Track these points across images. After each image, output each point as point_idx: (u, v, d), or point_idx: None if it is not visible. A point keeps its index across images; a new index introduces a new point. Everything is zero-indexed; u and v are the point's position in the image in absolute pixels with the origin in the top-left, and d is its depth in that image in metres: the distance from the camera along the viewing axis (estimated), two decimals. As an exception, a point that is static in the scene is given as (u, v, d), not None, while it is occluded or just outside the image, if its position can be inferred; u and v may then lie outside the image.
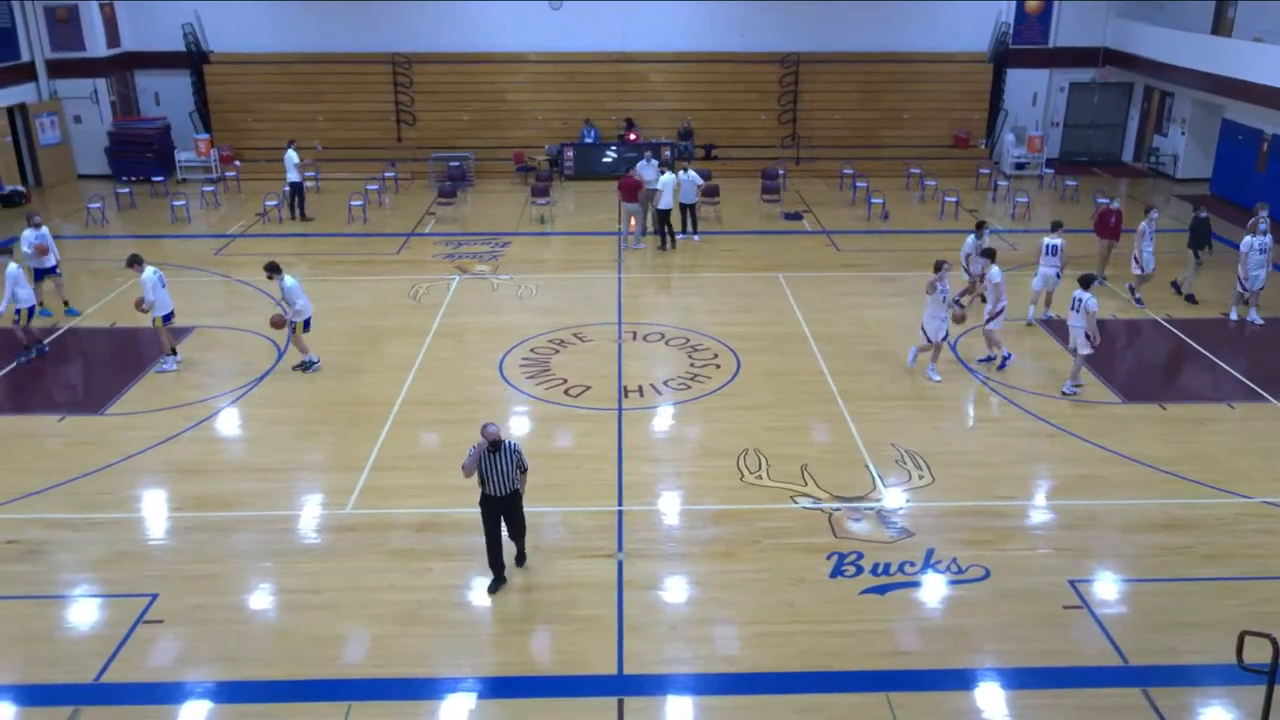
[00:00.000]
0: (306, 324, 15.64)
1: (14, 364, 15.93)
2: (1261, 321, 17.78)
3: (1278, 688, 7.55)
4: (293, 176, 24.31)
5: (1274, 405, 14.59)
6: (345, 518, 11.80)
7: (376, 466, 12.95)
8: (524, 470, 10.35)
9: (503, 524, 10.39)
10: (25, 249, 17.49)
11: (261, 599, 10.39)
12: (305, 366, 15.67)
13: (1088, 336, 14.63)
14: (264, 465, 13.06)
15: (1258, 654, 7.71)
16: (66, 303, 18.30)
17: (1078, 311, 14.69)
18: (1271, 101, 22.19)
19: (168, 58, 29.38)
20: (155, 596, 10.30)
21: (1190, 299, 18.81)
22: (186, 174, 28.71)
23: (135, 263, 15.56)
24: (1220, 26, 27.07)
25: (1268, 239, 17.36)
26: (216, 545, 11.25)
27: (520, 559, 10.80)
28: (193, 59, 29.40)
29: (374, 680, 9.17)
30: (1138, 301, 18.73)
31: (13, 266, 15.91)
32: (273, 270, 15.56)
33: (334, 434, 13.86)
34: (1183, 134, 28.79)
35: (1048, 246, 17.47)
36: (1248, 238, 17.44)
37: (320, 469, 13.02)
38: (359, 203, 24.89)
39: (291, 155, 24.32)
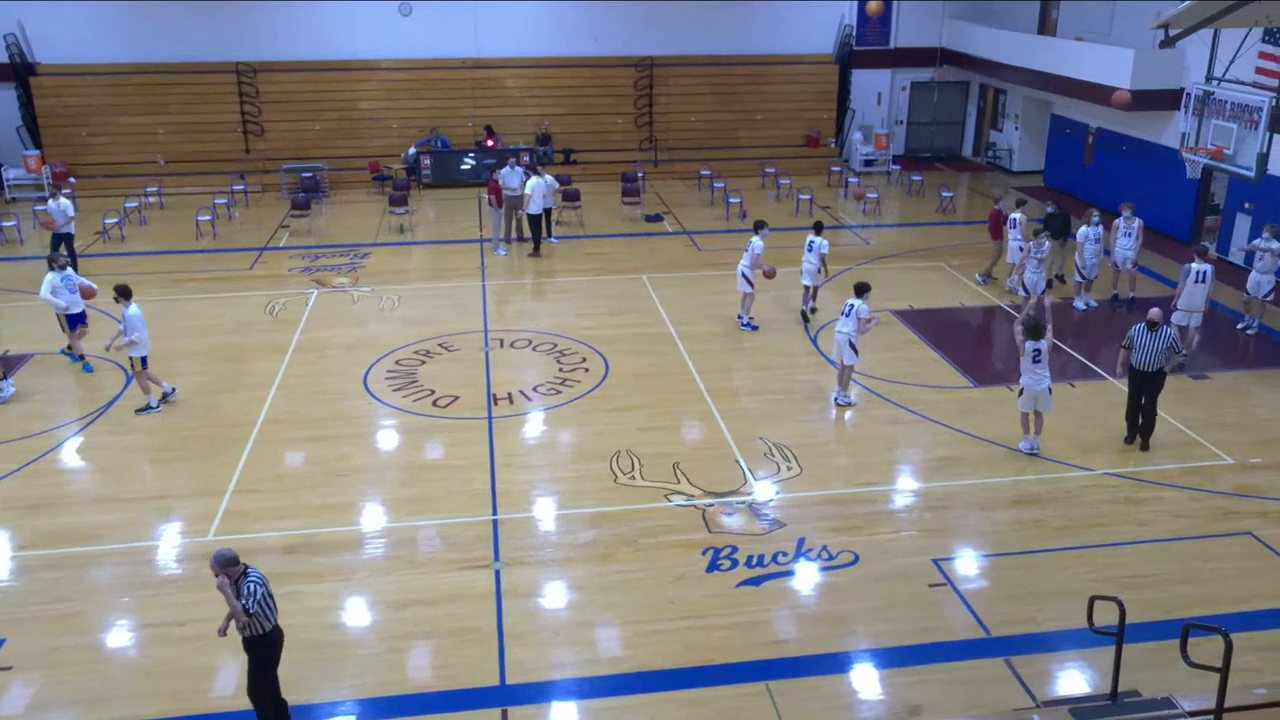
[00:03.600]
0: (144, 361, 14.50)
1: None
2: (1095, 304, 18.89)
3: (1125, 646, 8.06)
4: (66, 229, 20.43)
5: (1110, 383, 15.52)
6: (209, 544, 11.35)
7: (239, 490, 12.51)
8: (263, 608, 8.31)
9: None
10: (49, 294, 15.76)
11: (123, 635, 9.92)
12: (147, 409, 14.51)
13: (852, 345, 14.49)
14: (119, 495, 12.45)
15: (1107, 617, 8.21)
16: (70, 349, 16.39)
17: (849, 317, 14.57)
18: (1093, 96, 23.59)
19: (-10, 70, 27.65)
20: (3, 641, 9.70)
21: (1060, 278, 19.95)
22: (16, 193, 27.07)
23: None
24: (1045, 27, 28.64)
25: (1100, 229, 18.46)
26: (71, 582, 10.68)
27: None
28: (18, 71, 27.73)
29: (249, 711, 8.86)
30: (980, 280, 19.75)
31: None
32: (122, 294, 14.55)
33: (193, 458, 13.33)
34: (1016, 129, 30.33)
35: (810, 244, 17.91)
36: (1084, 228, 18.48)
37: (180, 496, 12.49)
38: (207, 217, 23.98)
39: (65, 204, 20.43)
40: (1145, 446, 13.40)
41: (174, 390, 15.01)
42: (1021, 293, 17.65)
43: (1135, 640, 8.96)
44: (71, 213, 20.38)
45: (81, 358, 16.12)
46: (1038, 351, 12.87)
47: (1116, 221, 18.76)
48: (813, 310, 18.09)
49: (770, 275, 17.34)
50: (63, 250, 19.43)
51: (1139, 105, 22.28)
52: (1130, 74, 21.98)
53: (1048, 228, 18.88)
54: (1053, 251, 18.60)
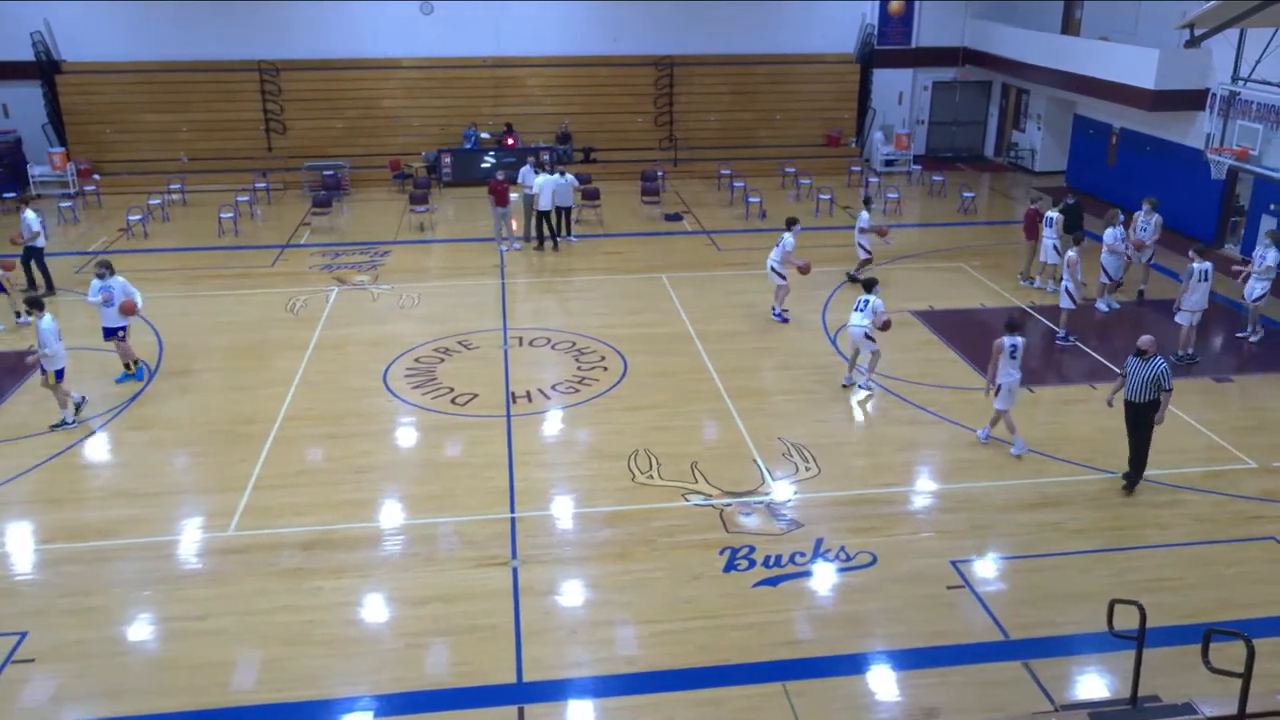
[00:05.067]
0: (59, 374, 14.00)
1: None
2: (1118, 306, 18.75)
3: (1146, 651, 7.99)
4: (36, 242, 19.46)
5: (1132, 385, 15.39)
6: (229, 539, 11.44)
7: (259, 485, 12.58)
8: None
9: None
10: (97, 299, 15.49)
11: (143, 629, 9.99)
12: (62, 425, 14.04)
13: (868, 336, 14.91)
14: (140, 490, 12.55)
15: (1127, 621, 8.14)
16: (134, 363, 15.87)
17: (863, 311, 14.91)
18: (1118, 97, 23.42)
19: (16, 67, 27.83)
20: (25, 634, 9.79)
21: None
22: (41, 189, 27.34)
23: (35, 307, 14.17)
24: (1069, 26, 28.44)
25: (1123, 229, 18.32)
26: (92, 576, 10.77)
27: None
28: (44, 69, 28.00)
29: (268, 705, 8.92)
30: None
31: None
32: (34, 306, 14.13)
33: (213, 454, 13.42)
34: (1039, 129, 30.14)
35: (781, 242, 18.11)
36: (1108, 229, 18.34)
37: (200, 491, 12.58)
38: (229, 215, 24.14)
39: (30, 217, 19.21)
40: (1130, 488, 12.32)
41: (84, 400, 14.57)
42: (1066, 302, 17.07)
43: (1156, 645, 8.89)
44: (37, 227, 19.08)
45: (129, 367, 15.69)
46: (1014, 347, 13.00)
47: (1136, 214, 18.68)
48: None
49: (805, 270, 17.85)
50: (34, 269, 19.16)
51: (1164, 105, 22.12)
52: (1155, 74, 21.81)
53: (1064, 218, 19.01)
54: (1064, 242, 18.58)
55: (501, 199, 22.28)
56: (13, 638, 9.73)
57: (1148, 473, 12.54)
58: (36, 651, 9.57)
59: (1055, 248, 18.92)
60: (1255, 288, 16.51)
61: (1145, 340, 12.09)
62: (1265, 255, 16.41)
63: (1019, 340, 13.06)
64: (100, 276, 15.57)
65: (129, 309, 15.46)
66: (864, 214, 19.90)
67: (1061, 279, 17.13)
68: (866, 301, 14.97)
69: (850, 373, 15.36)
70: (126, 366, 15.67)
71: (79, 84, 28.35)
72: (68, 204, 25.39)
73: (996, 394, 13.19)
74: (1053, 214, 19.10)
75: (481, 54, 29.82)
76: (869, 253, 19.68)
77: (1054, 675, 9.26)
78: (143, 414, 14.59)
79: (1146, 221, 18.55)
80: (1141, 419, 12.15)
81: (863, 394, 15.06)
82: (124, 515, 11.93)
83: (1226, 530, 11.57)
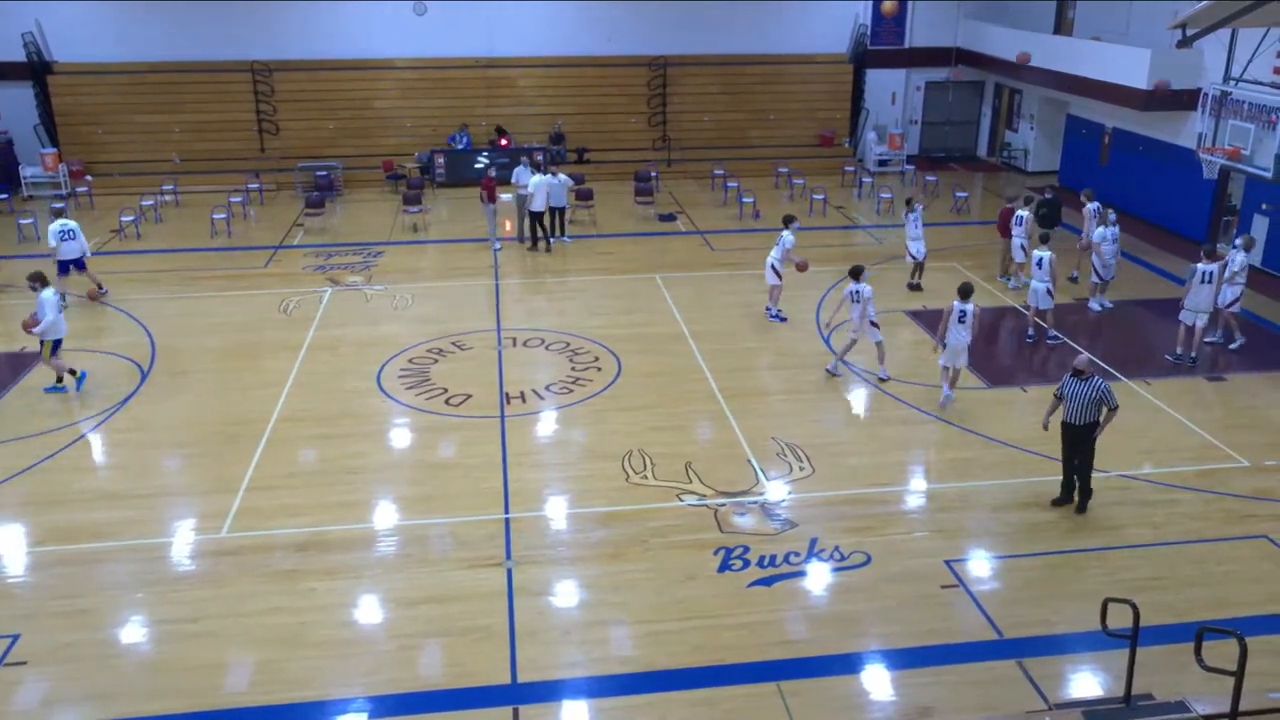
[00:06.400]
0: (55, 346, 14.97)
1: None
2: (1110, 305, 18.79)
3: (1139, 649, 8.00)
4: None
5: (1125, 383, 15.44)
6: (222, 541, 11.41)
7: (252, 487, 12.56)
8: None
9: None
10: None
11: (135, 631, 9.96)
12: (56, 388, 15.09)
13: (874, 324, 15.35)
14: (132, 492, 12.51)
15: (1121, 619, 8.15)
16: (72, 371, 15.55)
17: (857, 302, 15.28)
18: (1110, 97, 23.47)
19: (7, 68, 27.73)
20: (17, 637, 9.76)
21: (1073, 279, 20.03)
22: (33, 190, 27.24)
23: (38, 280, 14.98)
24: (1062, 26, 28.50)
25: (1116, 229, 18.36)
26: (84, 578, 10.73)
27: None
28: (35, 69, 27.90)
29: (261, 707, 8.90)
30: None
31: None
32: (36, 280, 14.99)
33: (206, 455, 13.39)
34: (1032, 129, 30.20)
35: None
36: (1100, 228, 18.37)
37: (193, 492, 12.55)
38: (222, 215, 24.08)
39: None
40: (1082, 509, 11.93)
41: (84, 374, 15.32)
42: (1045, 301, 16.99)
43: (1149, 643, 8.88)
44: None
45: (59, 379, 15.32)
46: (963, 313, 14.11)
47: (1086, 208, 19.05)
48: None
49: (803, 268, 17.99)
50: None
51: (1156, 105, 22.17)
52: (1147, 73, 21.86)
53: (1037, 215, 19.24)
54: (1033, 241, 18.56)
55: (491, 196, 22.27)
56: (5, 640, 9.70)
57: (1142, 471, 12.56)
58: (29, 654, 9.54)
59: (1023, 247, 19.00)
60: (1227, 293, 16.28)
61: (1082, 360, 11.78)
62: (1234, 259, 16.26)
63: (969, 306, 14.13)
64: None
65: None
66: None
67: (1032, 277, 17.11)
68: (856, 290, 15.26)
69: (835, 362, 15.74)
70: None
71: (71, 84, 28.25)
72: (60, 205, 25.21)
73: (942, 351, 14.39)
74: (1023, 213, 19.20)
75: (474, 54, 29.78)
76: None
77: (1048, 674, 9.27)
78: (135, 415, 14.54)
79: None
80: (1080, 440, 11.74)
81: (830, 375, 15.61)
82: (116, 517, 11.90)
83: (1219, 529, 11.59)
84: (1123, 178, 25.22)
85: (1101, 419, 11.62)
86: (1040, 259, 16.67)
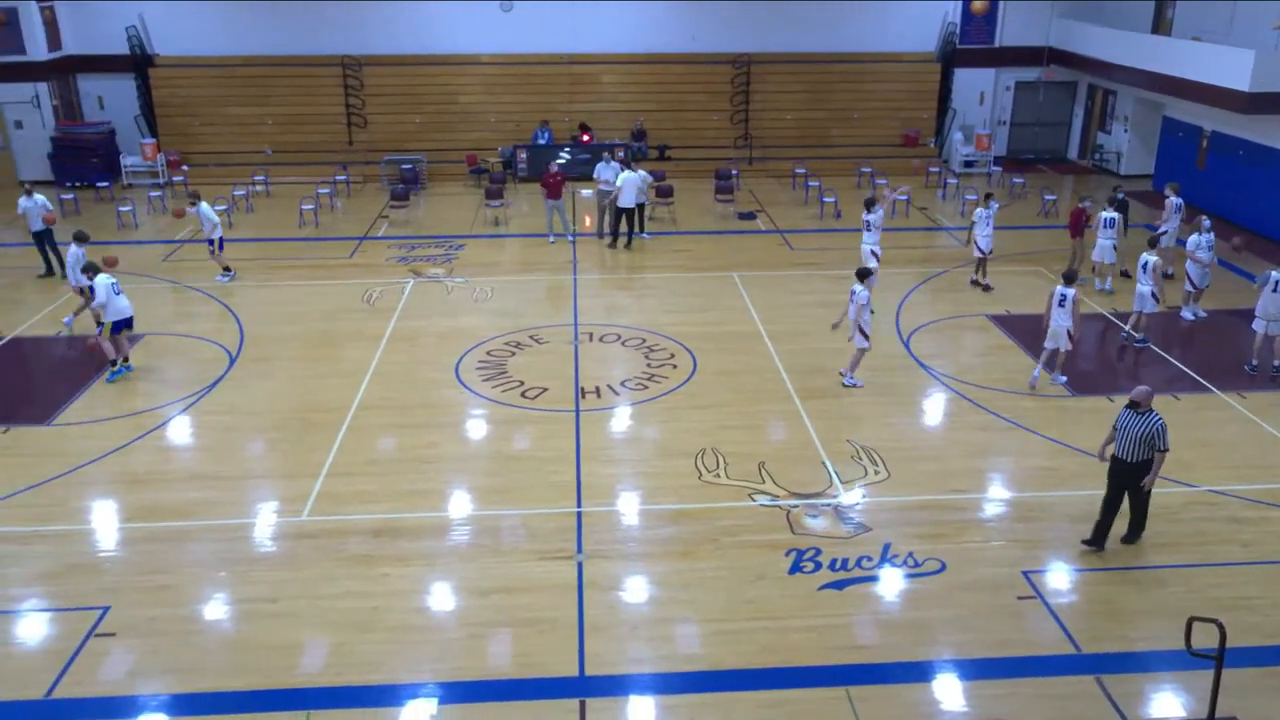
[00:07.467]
0: (115, 327, 15.43)
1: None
2: (1204, 315, 18.17)
3: (1225, 671, 7.74)
4: (36, 226, 19.94)
5: (1217, 396, 14.92)
6: (301, 525, 11.68)
7: (332, 473, 12.83)
8: None
9: None
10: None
11: (216, 609, 10.25)
12: (112, 374, 15.46)
13: (863, 332, 15.05)
14: (217, 473, 12.88)
15: (1205, 639, 7.90)
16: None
17: (852, 303, 14.99)
18: (1210, 99, 22.68)
19: (111, 61, 28.84)
20: (107, 609, 10.12)
21: (1124, 274, 19.71)
22: (133, 179, 28.20)
23: (90, 270, 15.62)
24: (1160, 26, 27.62)
25: (1211, 235, 17.73)
26: (169, 555, 11.08)
27: None
28: (137, 62, 28.90)
29: (332, 688, 9.09)
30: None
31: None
32: (90, 269, 15.70)
33: (288, 440, 13.71)
34: (1125, 131, 29.32)
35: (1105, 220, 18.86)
36: (1194, 235, 17.77)
37: (275, 476, 12.87)
38: (310, 206, 24.64)
39: (36, 202, 19.82)
40: (1130, 539, 11.18)
41: (129, 369, 15.76)
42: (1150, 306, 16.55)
43: (1235, 665, 8.60)
44: (51, 207, 19.94)
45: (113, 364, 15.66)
46: (1064, 297, 14.63)
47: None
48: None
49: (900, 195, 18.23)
50: (49, 251, 20.08)
51: (1258, 108, 21.37)
52: (1250, 75, 21.07)
53: (1122, 215, 19.22)
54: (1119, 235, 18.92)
55: (554, 191, 22.38)
56: (96, 612, 10.06)
57: (1232, 486, 12.13)
58: (118, 626, 9.88)
59: (1115, 248, 18.96)
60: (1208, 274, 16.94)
61: (1140, 392, 10.66)
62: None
63: (1070, 291, 14.59)
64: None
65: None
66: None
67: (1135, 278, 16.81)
68: (855, 292, 14.92)
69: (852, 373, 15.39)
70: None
71: (170, 77, 29.18)
72: (157, 194, 26.17)
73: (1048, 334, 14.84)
74: (1109, 215, 18.94)
75: (558, 51, 29.99)
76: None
77: (1127, 692, 9.01)
78: (222, 399, 14.96)
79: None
80: (1129, 481, 10.76)
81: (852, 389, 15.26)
82: (201, 497, 12.26)
83: (1315, 549, 11.14)
84: (1221, 182, 24.36)
85: (1154, 461, 10.62)
86: (1145, 262, 16.29)
